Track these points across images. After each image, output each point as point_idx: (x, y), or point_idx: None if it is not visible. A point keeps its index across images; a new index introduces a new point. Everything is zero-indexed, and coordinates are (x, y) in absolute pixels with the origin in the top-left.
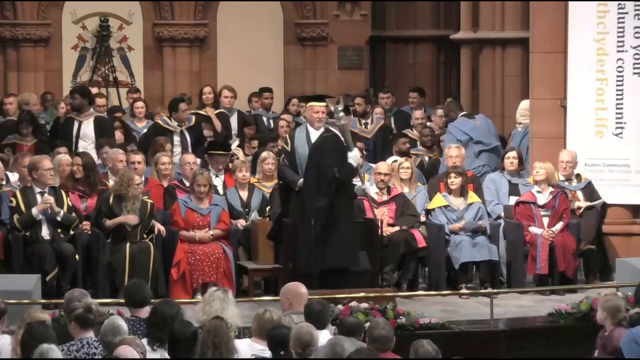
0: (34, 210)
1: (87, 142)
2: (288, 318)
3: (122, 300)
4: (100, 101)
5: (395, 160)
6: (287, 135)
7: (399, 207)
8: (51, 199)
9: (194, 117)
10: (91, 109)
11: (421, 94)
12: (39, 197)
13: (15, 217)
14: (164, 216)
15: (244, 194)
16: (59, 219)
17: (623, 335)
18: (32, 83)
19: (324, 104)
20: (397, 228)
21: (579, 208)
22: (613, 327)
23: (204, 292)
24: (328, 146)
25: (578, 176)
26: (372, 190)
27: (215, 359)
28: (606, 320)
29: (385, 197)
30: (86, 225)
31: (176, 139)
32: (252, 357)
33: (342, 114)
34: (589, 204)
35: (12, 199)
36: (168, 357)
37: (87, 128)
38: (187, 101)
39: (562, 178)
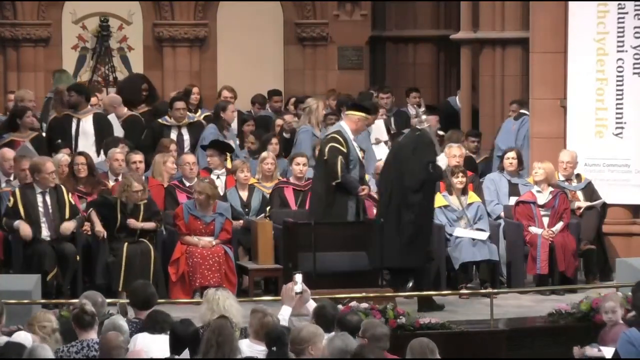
0: (17, 226)
1: (86, 140)
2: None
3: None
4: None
5: None
6: (336, 137)
7: None
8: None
9: (195, 116)
10: (89, 106)
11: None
12: (39, 197)
13: (5, 220)
14: (164, 216)
15: (244, 194)
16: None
17: (620, 335)
18: (32, 83)
19: None
20: None
21: (579, 208)
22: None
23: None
24: (421, 144)
25: (578, 176)
26: (373, 190)
27: (218, 358)
28: (616, 313)
29: None
30: (86, 225)
31: (172, 137)
32: (248, 357)
33: (424, 116)
34: (589, 204)
35: (11, 197)
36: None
37: (86, 125)
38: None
39: (562, 178)
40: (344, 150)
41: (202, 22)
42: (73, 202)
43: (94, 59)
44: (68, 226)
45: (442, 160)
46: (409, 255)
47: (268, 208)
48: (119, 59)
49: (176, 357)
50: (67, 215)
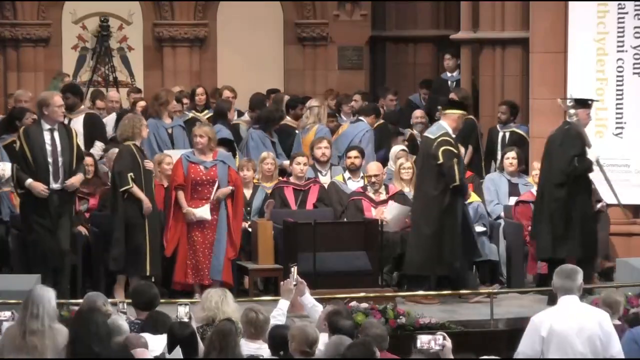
0: (29, 185)
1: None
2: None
3: (120, 300)
4: (100, 103)
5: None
6: (448, 139)
7: None
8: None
9: (190, 114)
10: (82, 106)
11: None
12: (47, 134)
13: (16, 170)
14: (163, 217)
15: (248, 193)
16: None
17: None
18: (32, 83)
19: None
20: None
21: None
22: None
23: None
24: (567, 138)
25: None
26: (370, 190)
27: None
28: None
29: (383, 196)
30: (82, 228)
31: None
32: (247, 356)
33: (572, 110)
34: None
35: (17, 140)
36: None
37: (77, 124)
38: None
39: None
40: (457, 152)
41: (202, 22)
42: (81, 146)
43: (94, 59)
44: (74, 181)
45: (592, 153)
46: (560, 246)
47: None
48: (119, 59)
49: (170, 357)
50: (74, 158)
